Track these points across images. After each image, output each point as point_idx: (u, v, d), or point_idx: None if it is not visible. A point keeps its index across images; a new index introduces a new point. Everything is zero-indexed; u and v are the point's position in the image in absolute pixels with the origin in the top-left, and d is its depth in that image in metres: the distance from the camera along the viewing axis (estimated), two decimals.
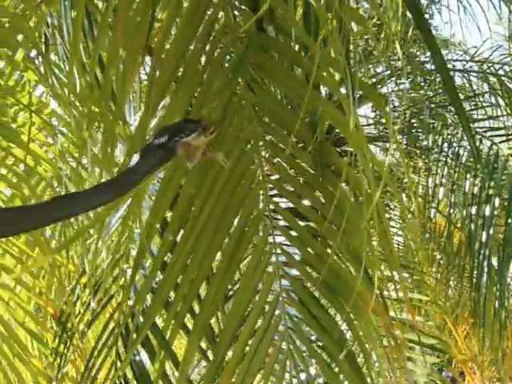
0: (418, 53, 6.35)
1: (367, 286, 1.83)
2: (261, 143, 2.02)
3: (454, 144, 4.37)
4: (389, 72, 6.04)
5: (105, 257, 2.90)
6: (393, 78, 5.91)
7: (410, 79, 5.75)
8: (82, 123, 2.51)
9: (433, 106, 5.19)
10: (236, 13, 2.00)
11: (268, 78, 2.01)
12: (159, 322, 2.54)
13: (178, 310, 2.08)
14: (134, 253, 2.86)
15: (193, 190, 2.06)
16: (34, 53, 3.01)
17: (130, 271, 2.84)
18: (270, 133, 2.03)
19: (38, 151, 3.07)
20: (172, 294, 2.12)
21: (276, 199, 2.14)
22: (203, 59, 2.05)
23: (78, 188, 2.96)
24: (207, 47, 2.03)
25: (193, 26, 1.98)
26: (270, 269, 2.07)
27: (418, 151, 5.15)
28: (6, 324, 3.04)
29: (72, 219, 3.33)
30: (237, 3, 1.98)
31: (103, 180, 1.88)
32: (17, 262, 3.00)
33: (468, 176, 4.27)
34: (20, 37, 2.70)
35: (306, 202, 2.05)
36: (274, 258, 2.06)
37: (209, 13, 1.97)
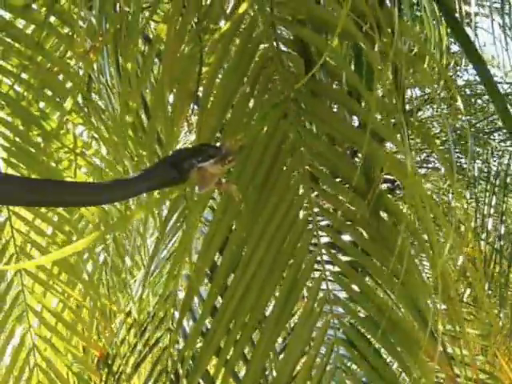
0: (454, 77, 6.26)
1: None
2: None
3: (502, 173, 4.28)
4: (425, 97, 5.97)
5: (151, 299, 2.88)
6: (430, 104, 5.83)
7: (447, 105, 5.67)
8: (128, 166, 2.51)
9: (473, 130, 5.10)
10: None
11: (319, 125, 1.98)
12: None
13: (229, 357, 2.04)
14: (180, 295, 2.84)
15: (244, 233, 2.03)
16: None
17: (177, 314, 2.82)
18: (321, 179, 2.00)
19: None
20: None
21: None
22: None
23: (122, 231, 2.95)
24: (255, 91, 2.01)
25: (240, 73, 1.97)
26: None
27: (461, 176, 5.04)
28: (51, 365, 3.03)
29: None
30: (285, 48, 1.97)
31: None
32: (59, 301, 2.99)
33: None
34: (64, 80, 2.72)
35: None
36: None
37: (256, 59, 1.96)
